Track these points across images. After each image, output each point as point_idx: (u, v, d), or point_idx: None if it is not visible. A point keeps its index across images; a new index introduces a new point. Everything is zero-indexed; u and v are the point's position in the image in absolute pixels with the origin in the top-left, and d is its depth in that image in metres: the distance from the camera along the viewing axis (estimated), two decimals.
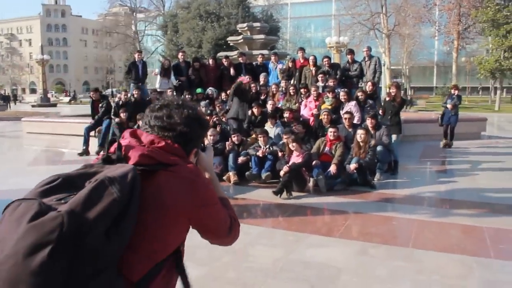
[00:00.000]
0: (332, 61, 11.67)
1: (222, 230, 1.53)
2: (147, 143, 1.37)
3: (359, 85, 10.53)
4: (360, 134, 7.28)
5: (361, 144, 7.27)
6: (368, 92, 9.31)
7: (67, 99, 54.96)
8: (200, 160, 1.59)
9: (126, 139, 1.40)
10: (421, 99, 39.98)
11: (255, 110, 9.03)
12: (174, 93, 11.07)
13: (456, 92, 12.01)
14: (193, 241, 4.83)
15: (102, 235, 1.13)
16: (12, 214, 1.12)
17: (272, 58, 11.72)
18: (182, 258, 1.48)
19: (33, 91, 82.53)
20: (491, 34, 32.00)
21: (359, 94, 9.05)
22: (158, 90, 11.60)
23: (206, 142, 7.87)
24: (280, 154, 7.41)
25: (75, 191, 1.18)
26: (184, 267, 1.47)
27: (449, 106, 11.48)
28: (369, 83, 9.64)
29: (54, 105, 40.10)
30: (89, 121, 11.04)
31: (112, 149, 1.39)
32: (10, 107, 36.36)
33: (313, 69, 10.72)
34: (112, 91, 48.12)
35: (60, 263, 1.06)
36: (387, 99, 9.20)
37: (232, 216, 1.58)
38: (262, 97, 10.02)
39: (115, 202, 1.16)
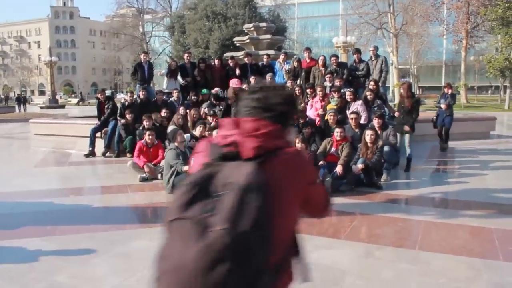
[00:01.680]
0: (339, 61, 11.59)
1: (327, 203, 1.69)
2: (252, 131, 1.40)
3: (366, 85, 10.45)
4: (369, 134, 7.20)
5: (369, 144, 7.19)
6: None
7: (75, 100, 55.29)
8: None
9: (229, 131, 1.43)
10: (430, 98, 39.71)
11: None
12: (180, 94, 11.06)
13: (450, 91, 11.33)
14: None
15: (258, 239, 1.26)
16: (174, 234, 1.28)
17: (281, 57, 11.67)
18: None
19: (42, 92, 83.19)
20: (500, 33, 31.63)
21: (368, 93, 8.98)
22: (165, 90, 11.62)
23: None
24: None
25: (208, 197, 1.29)
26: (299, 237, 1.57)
27: (443, 106, 10.91)
28: (372, 82, 9.54)
29: (62, 106, 40.36)
30: (96, 122, 11.05)
31: (220, 142, 1.41)
32: (23, 109, 34.71)
33: (322, 69, 10.67)
34: (112, 92, 48.09)
35: (234, 272, 1.22)
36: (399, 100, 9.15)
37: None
38: None
39: (261, 209, 1.26)
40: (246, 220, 1.24)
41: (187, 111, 9.75)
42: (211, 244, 1.21)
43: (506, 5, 30.24)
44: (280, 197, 1.37)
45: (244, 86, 9.87)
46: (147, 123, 8.95)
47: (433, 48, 52.58)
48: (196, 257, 1.21)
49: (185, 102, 10.90)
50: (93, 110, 13.06)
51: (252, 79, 10.54)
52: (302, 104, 9.65)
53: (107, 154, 10.25)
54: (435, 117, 11.06)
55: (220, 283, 1.21)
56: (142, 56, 12.31)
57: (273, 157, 1.39)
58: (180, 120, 9.13)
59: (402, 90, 8.99)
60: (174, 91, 11.07)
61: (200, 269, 1.21)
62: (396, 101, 16.78)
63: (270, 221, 1.30)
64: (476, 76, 50.21)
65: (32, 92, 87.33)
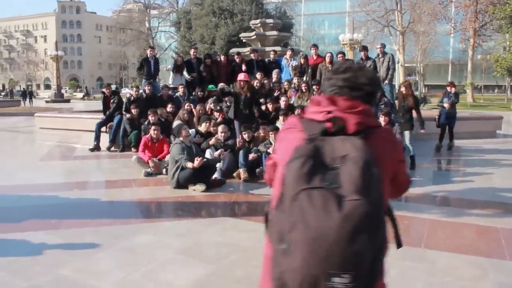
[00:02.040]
0: (346, 58, 11.56)
1: (409, 182, 1.75)
2: (346, 108, 1.46)
3: None
4: None
5: None
6: None
7: (80, 94, 55.41)
8: None
9: (325, 107, 1.47)
10: (435, 97, 39.45)
11: (269, 106, 8.99)
12: (186, 90, 11.05)
13: (453, 89, 10.78)
14: (200, 239, 4.76)
15: (383, 211, 1.32)
16: (311, 202, 1.24)
17: (288, 54, 11.63)
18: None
19: (47, 86, 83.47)
20: (508, 32, 31.43)
21: None
22: (171, 86, 11.62)
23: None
24: None
25: (324, 169, 1.31)
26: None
27: (446, 105, 10.49)
28: None
29: (68, 100, 40.47)
30: (101, 116, 11.06)
31: (319, 118, 1.45)
32: (29, 103, 35.29)
33: (329, 66, 10.63)
34: (116, 87, 48.10)
35: (369, 243, 1.24)
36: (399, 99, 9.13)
37: None
38: (276, 94, 9.97)
39: (381, 181, 1.32)
40: (375, 192, 1.28)
41: (192, 106, 9.74)
42: (350, 214, 1.23)
43: None
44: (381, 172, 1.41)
45: (256, 82, 9.85)
46: (153, 118, 8.94)
47: (440, 46, 52.31)
48: (338, 226, 1.22)
49: (191, 97, 10.90)
50: (99, 105, 13.08)
51: (258, 75, 10.53)
52: (308, 101, 9.62)
53: (112, 148, 10.26)
54: (437, 116, 10.82)
55: (358, 253, 1.22)
56: (148, 51, 12.31)
57: (371, 134, 1.43)
58: (186, 115, 9.12)
59: (403, 89, 9.00)
60: (180, 87, 11.06)
61: (342, 239, 1.21)
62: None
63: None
64: (483, 75, 49.87)
65: (38, 86, 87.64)
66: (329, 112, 1.43)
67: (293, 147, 1.38)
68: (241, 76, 8.93)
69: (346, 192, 1.25)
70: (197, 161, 6.51)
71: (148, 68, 11.68)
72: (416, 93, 42.73)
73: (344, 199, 1.24)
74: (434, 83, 65.18)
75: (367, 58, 10.86)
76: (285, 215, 1.29)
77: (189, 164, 6.54)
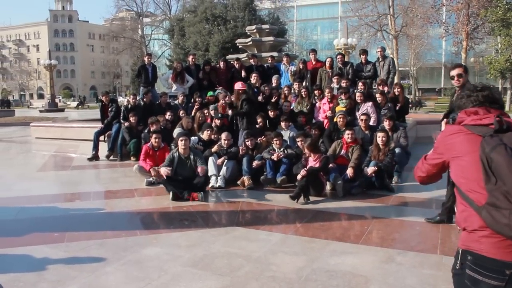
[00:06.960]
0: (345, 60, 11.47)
1: None
2: (502, 115, 1.92)
3: (373, 86, 10.32)
4: (381, 136, 7.06)
5: (381, 146, 7.05)
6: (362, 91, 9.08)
7: (74, 103, 55.06)
8: None
9: (487, 114, 1.94)
10: (430, 100, 39.64)
11: (270, 113, 8.89)
12: (185, 98, 10.87)
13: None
14: (210, 250, 4.59)
15: None
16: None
17: (284, 59, 11.52)
18: None
19: (40, 96, 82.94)
20: (500, 34, 31.57)
21: (378, 96, 8.85)
22: (171, 94, 11.49)
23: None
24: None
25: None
26: None
27: None
28: (360, 83, 9.41)
29: (62, 110, 40.14)
30: (99, 125, 10.88)
31: (486, 122, 1.91)
32: None
33: (329, 70, 10.54)
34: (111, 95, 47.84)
35: None
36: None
37: None
38: (273, 100, 9.84)
39: None
40: None
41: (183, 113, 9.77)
42: None
43: (507, 6, 30.18)
44: None
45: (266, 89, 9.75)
46: (155, 127, 8.79)
47: (432, 49, 52.62)
48: None
49: (189, 104, 10.75)
50: (94, 114, 12.90)
51: (253, 76, 10.30)
52: (309, 106, 9.52)
53: (111, 157, 10.09)
54: None
55: None
56: (146, 58, 12.21)
57: None
58: (189, 123, 8.96)
59: (397, 90, 9.11)
60: (180, 95, 10.88)
61: None
62: None
63: None
64: (476, 78, 50.07)
65: (31, 95, 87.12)
66: (498, 117, 1.88)
67: (472, 144, 1.86)
68: (239, 85, 8.81)
69: None
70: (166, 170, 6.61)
71: (146, 75, 11.56)
72: (411, 96, 42.89)
73: None
74: (427, 86, 65.48)
75: (367, 62, 10.78)
76: (503, 183, 1.72)
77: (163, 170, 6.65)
